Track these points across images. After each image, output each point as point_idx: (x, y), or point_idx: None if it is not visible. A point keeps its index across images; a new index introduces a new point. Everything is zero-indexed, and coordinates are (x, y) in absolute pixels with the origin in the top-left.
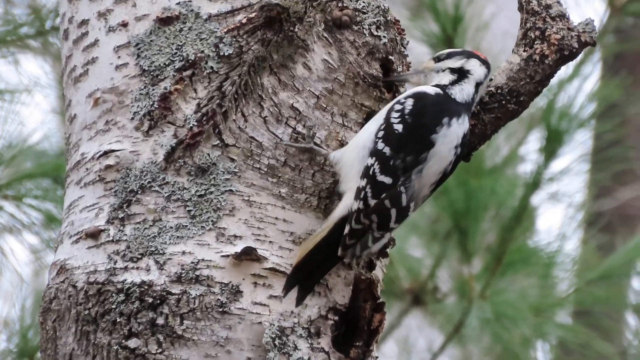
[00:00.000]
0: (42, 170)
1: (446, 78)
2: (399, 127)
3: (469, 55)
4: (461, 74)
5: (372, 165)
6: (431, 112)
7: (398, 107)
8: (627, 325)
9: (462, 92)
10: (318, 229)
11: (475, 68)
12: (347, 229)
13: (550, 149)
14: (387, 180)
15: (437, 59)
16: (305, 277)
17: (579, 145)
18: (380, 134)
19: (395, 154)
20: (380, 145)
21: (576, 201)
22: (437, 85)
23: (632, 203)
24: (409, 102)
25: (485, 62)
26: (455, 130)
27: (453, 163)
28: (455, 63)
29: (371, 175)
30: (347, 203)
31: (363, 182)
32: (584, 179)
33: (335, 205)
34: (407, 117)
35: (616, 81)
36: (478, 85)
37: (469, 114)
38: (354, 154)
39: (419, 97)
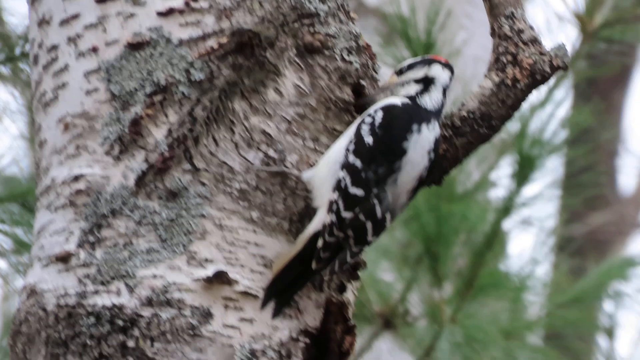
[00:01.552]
0: (11, 195)
1: (412, 89)
2: (369, 140)
3: (430, 61)
4: (427, 82)
5: (344, 178)
6: (400, 121)
7: (368, 119)
8: (598, 348)
9: (432, 99)
10: (293, 244)
11: (439, 73)
12: (320, 242)
13: (522, 175)
14: (360, 192)
15: (400, 72)
16: (281, 291)
17: (550, 171)
18: (351, 147)
19: (366, 166)
20: (351, 158)
21: (547, 226)
22: (405, 96)
23: (603, 228)
24: (379, 115)
25: (447, 65)
26: (426, 136)
27: (428, 168)
28: (418, 73)
29: (343, 188)
30: (320, 218)
31: (335, 195)
32: (555, 204)
33: (310, 222)
34: (377, 129)
35: (589, 107)
36: (445, 89)
37: (439, 120)
38: (325, 169)
39: (388, 109)
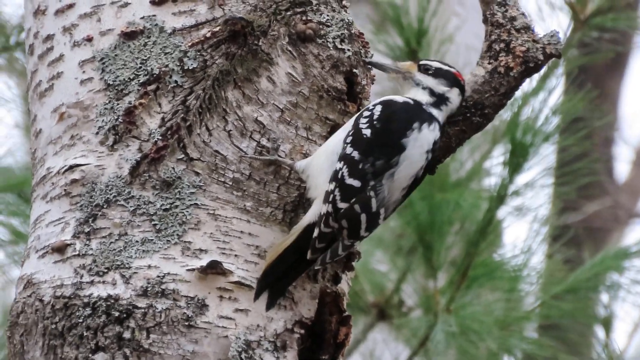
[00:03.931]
0: (7, 185)
1: (424, 97)
2: (367, 132)
3: (453, 83)
4: (440, 100)
5: (341, 169)
6: (401, 117)
7: (366, 113)
8: (596, 338)
9: (439, 114)
10: (287, 235)
11: (454, 98)
12: (316, 232)
13: (515, 163)
14: (356, 183)
15: (424, 70)
16: (274, 282)
17: (543, 159)
18: (349, 139)
19: (364, 157)
20: (349, 149)
21: (541, 215)
22: (411, 99)
23: (597, 216)
24: (378, 109)
25: (463, 89)
26: (426, 135)
27: (424, 168)
28: (438, 88)
29: (340, 178)
30: (316, 209)
31: (332, 186)
32: (548, 192)
33: (304, 213)
34: (375, 122)
35: (580, 94)
36: (450, 110)
37: (441, 126)
38: (322, 159)
39: (387, 104)
